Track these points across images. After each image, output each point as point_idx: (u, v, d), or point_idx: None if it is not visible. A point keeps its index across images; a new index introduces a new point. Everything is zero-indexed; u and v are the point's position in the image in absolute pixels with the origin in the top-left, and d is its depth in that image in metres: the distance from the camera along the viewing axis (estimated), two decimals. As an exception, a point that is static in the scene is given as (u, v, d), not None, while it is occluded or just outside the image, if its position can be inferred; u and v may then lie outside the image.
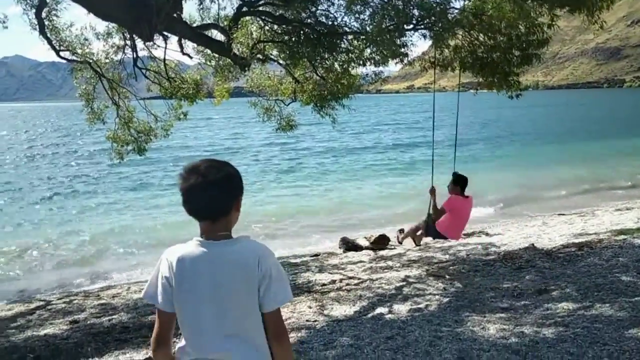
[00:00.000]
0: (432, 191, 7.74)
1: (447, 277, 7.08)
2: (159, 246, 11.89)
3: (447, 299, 6.04)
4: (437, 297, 6.14)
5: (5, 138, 48.84)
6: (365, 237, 10.57)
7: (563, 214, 12.73)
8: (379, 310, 5.79)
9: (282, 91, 10.60)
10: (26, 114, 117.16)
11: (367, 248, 10.07)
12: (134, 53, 10.34)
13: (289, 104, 10.78)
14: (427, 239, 8.91)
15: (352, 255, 9.53)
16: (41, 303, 7.76)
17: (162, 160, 27.98)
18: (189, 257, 1.84)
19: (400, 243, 9.06)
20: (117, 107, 10.60)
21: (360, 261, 8.87)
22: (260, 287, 1.83)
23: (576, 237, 8.91)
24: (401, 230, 9.04)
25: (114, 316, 6.59)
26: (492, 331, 4.64)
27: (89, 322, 6.43)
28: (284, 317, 1.95)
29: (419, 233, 8.52)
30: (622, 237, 8.21)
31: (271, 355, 1.92)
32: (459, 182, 7.65)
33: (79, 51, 9.92)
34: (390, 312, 5.69)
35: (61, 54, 9.62)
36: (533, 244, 8.43)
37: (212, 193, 1.81)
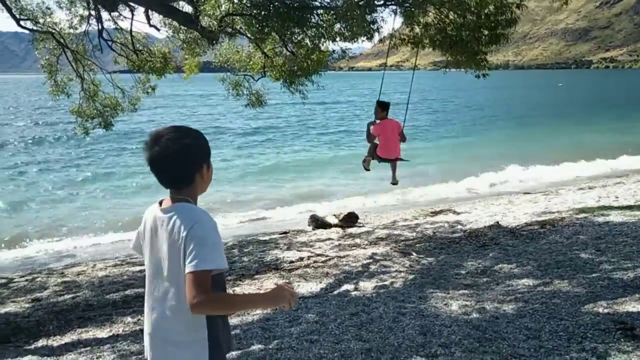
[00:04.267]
0: (370, 123, 8.11)
1: (414, 254, 7.18)
2: (125, 224, 11.72)
3: (413, 276, 6.13)
4: (402, 274, 6.22)
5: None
6: (335, 215, 10.61)
7: (528, 193, 13.00)
8: (345, 287, 5.84)
9: (252, 66, 10.42)
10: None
11: (336, 225, 10.12)
12: (99, 24, 10.00)
13: (258, 79, 10.62)
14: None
15: (321, 233, 9.57)
16: (2, 281, 7.56)
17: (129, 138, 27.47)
18: (148, 222, 1.96)
19: (368, 169, 8.73)
20: (81, 79, 10.29)
21: (329, 239, 8.91)
22: (186, 252, 1.79)
23: (539, 215, 9.11)
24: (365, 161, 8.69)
25: (77, 294, 6.48)
26: (455, 307, 4.73)
27: (51, 300, 6.32)
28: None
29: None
30: (583, 215, 8.44)
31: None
32: (384, 107, 8.02)
33: (41, 20, 9.56)
34: (356, 289, 5.74)
35: (22, 23, 9.24)
36: (498, 222, 8.59)
37: (171, 166, 1.85)
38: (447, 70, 9.49)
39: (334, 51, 9.05)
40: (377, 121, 8.06)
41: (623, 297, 4.55)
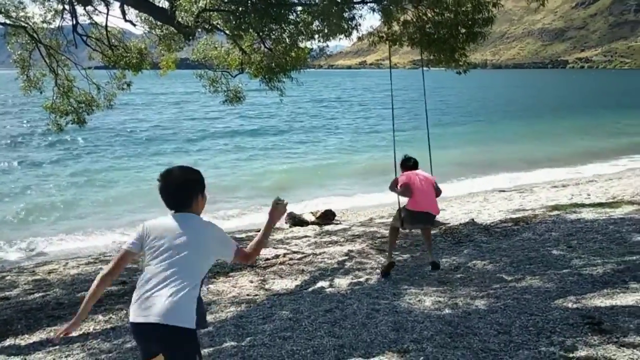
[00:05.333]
0: (394, 184, 6.20)
1: (389, 251, 7.19)
2: (98, 223, 11.55)
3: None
4: (377, 270, 6.24)
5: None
6: (312, 212, 10.60)
7: (503, 191, 13.16)
8: (320, 284, 5.84)
9: (230, 63, 10.34)
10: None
11: (313, 223, 10.11)
12: (74, 19, 9.81)
13: (235, 75, 10.56)
14: (413, 231, 7.13)
15: (298, 230, 9.56)
16: (-29, 279, 7.39)
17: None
18: (163, 221, 2.57)
19: (387, 272, 6.09)
20: (55, 75, 10.09)
21: (305, 236, 8.91)
22: (214, 247, 2.61)
23: (514, 212, 9.24)
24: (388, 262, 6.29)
25: (48, 292, 6.36)
26: (428, 303, 4.77)
27: (20, 298, 6.18)
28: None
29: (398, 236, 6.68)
30: (555, 212, 8.57)
31: None
32: (408, 162, 6.33)
33: (13, 14, 9.34)
34: (330, 285, 5.75)
35: (-8, 16, 9.03)
36: (473, 219, 8.69)
37: (175, 194, 2.59)
38: (429, 68, 9.52)
39: (311, 49, 9.02)
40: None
41: (592, 292, 4.64)
